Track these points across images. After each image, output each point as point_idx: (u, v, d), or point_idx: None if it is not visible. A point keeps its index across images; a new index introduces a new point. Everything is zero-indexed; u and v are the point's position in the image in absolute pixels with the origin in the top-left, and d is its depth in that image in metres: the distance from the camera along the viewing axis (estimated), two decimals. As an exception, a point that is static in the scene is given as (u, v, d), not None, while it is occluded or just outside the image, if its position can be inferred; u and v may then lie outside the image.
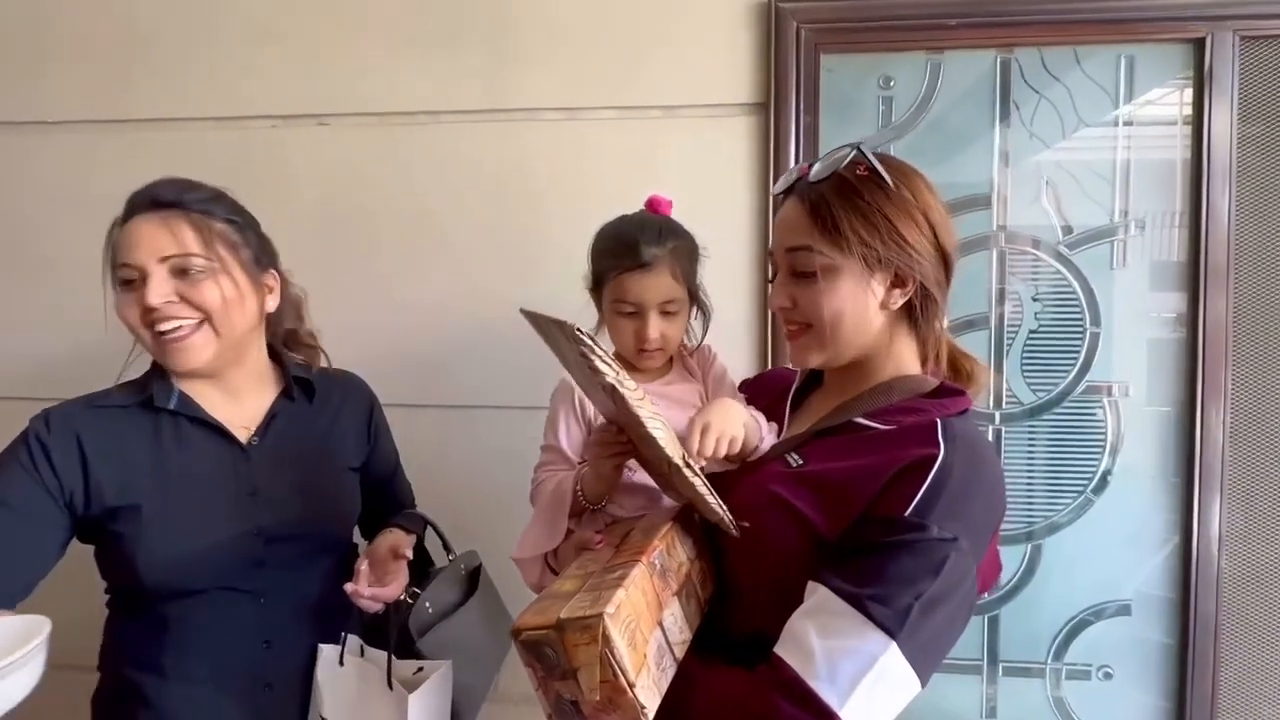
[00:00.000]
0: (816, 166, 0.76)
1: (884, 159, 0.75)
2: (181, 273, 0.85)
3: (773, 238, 0.83)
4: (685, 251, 0.91)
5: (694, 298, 0.93)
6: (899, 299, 0.75)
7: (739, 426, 0.76)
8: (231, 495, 0.89)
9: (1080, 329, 1.31)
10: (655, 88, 1.30)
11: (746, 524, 0.73)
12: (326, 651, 0.91)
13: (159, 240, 0.85)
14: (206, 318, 0.86)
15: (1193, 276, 1.26)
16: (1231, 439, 1.27)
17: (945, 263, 0.76)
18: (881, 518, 0.67)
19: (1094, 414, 1.31)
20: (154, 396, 0.88)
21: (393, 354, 1.34)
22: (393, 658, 0.90)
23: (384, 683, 0.89)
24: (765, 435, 0.82)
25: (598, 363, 0.66)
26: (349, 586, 0.90)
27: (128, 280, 0.85)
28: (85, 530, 0.87)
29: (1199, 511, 1.27)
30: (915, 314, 0.77)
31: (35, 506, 0.83)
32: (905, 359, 0.79)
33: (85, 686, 0.92)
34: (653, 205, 0.94)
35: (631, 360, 0.93)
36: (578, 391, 0.89)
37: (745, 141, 1.29)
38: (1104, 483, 1.31)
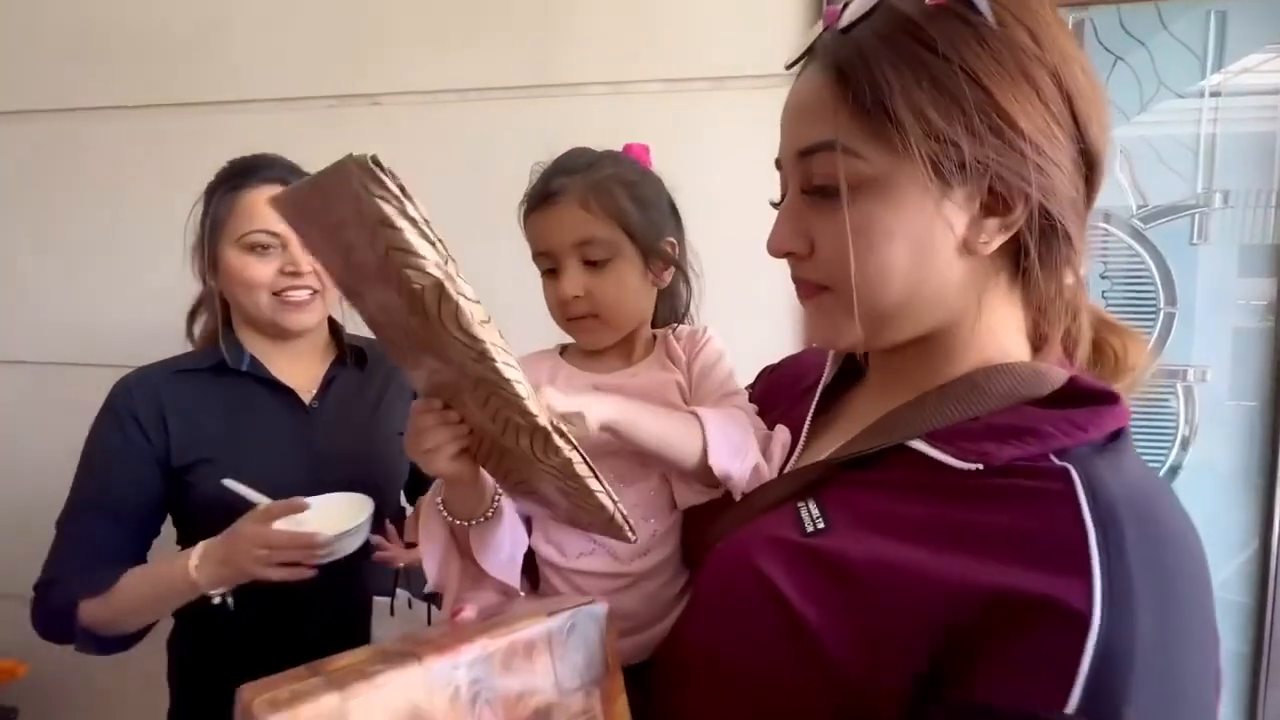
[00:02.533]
0: (854, 4, 0.43)
1: None
2: None
3: (780, 139, 0.49)
4: (614, 181, 0.65)
5: (649, 248, 0.66)
6: (997, 235, 0.43)
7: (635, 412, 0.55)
8: (297, 452, 0.96)
9: (1153, 309, 1.22)
10: (703, 59, 1.26)
11: (634, 537, 0.50)
12: (380, 602, 0.98)
13: None
14: (321, 290, 0.97)
15: (1287, 260, 1.16)
16: (1326, 440, 1.16)
17: (1091, 170, 0.43)
18: (989, 709, 0.35)
19: (1165, 401, 1.22)
20: (227, 359, 0.95)
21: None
22: (433, 609, 0.96)
23: None
24: (769, 458, 0.57)
25: (409, 233, 0.36)
26: (377, 556, 0.97)
27: (261, 245, 0.93)
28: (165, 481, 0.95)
29: (1283, 515, 1.17)
30: (1027, 262, 0.44)
31: (139, 464, 0.92)
32: (1002, 337, 0.46)
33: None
34: (625, 150, 0.74)
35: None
36: None
37: (795, 114, 1.25)
38: (1172, 477, 1.23)
